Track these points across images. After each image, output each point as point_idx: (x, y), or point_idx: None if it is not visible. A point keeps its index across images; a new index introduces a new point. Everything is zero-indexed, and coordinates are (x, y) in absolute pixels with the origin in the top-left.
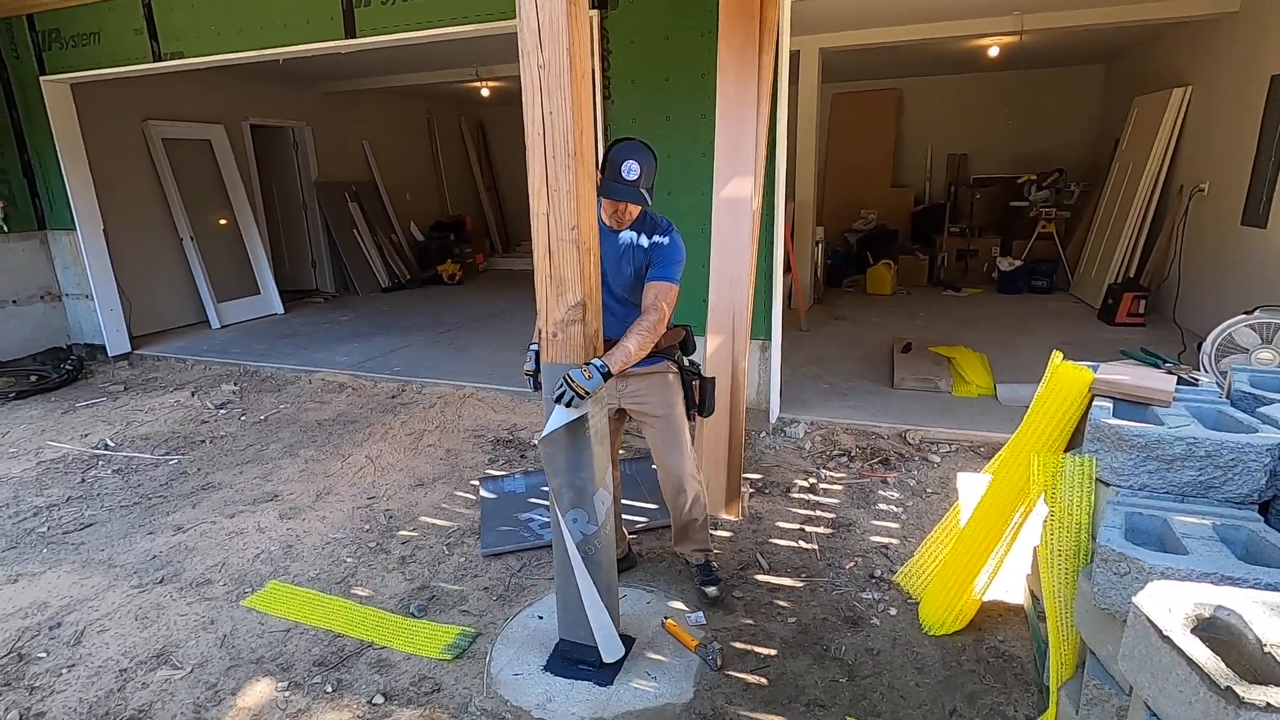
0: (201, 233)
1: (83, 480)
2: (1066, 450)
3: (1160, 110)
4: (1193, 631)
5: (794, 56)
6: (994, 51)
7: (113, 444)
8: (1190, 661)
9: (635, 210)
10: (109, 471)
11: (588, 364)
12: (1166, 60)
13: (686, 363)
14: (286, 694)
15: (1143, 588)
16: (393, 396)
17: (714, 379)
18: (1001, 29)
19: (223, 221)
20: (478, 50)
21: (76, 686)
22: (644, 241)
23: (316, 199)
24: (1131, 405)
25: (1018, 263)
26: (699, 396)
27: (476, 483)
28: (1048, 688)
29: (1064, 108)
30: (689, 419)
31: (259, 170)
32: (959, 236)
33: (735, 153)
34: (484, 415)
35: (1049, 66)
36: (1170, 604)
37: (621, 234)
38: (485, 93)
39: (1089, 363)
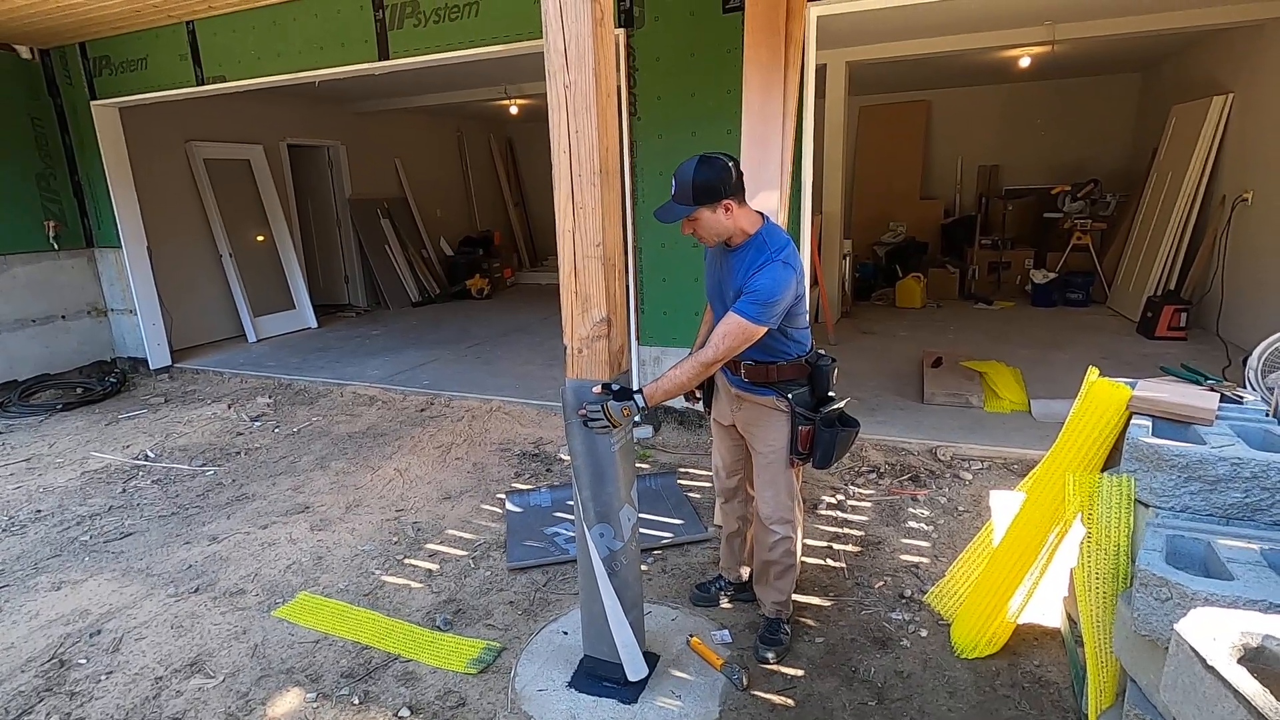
0: (240, 249)
1: (124, 490)
2: (1104, 469)
3: (1200, 118)
4: (1239, 662)
5: (820, 70)
6: (1025, 62)
7: (153, 455)
8: (1237, 694)
9: (708, 225)
10: (149, 482)
11: (633, 395)
12: (1206, 68)
13: (796, 402)
14: (315, 705)
15: (1185, 614)
16: (421, 410)
17: (839, 430)
18: (1033, 39)
19: (260, 238)
20: (507, 69)
21: (114, 693)
22: (746, 266)
23: (350, 216)
24: (1172, 424)
25: (1052, 275)
26: (806, 443)
27: (503, 496)
28: (1086, 715)
29: (1098, 117)
30: (790, 464)
31: (295, 188)
32: (991, 249)
33: (761, 167)
34: (510, 429)
35: (1082, 76)
36: (1215, 632)
37: (734, 253)
38: (514, 110)
39: (1127, 379)
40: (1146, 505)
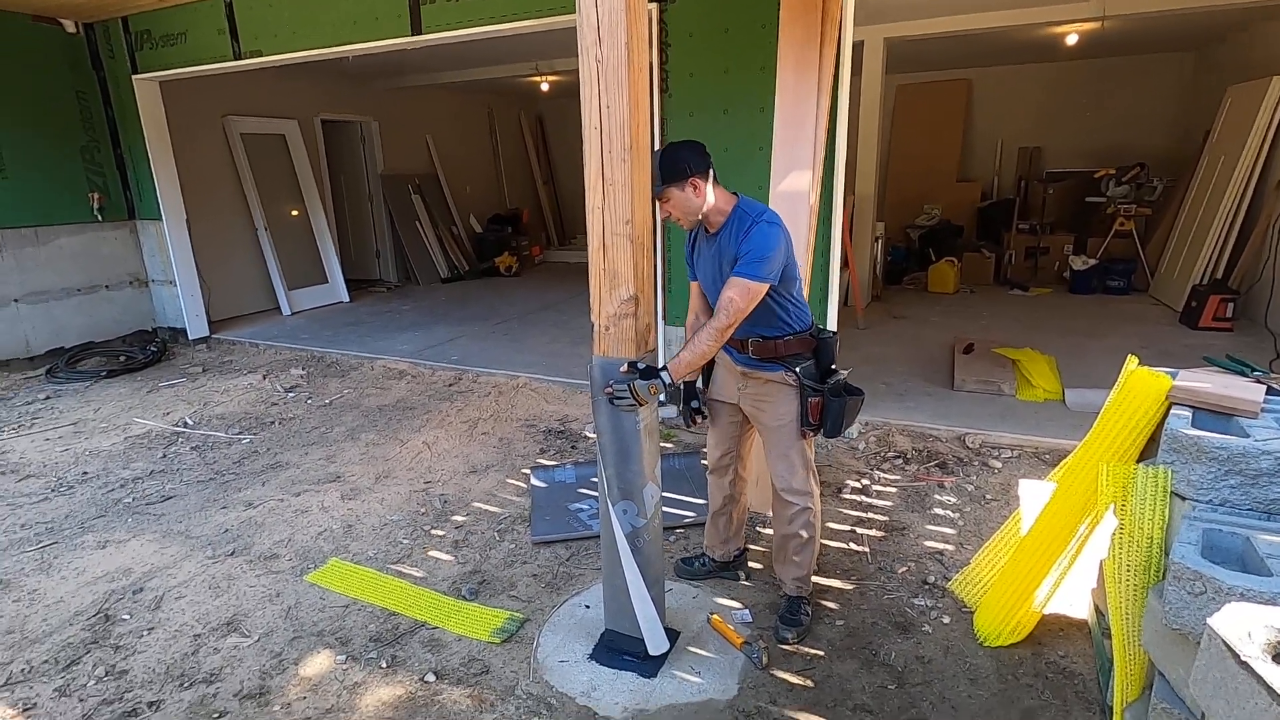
0: (275, 223)
1: (164, 455)
2: (1139, 461)
3: (1257, 99)
4: (1274, 659)
5: (857, 46)
6: (1072, 39)
7: (191, 423)
8: (1270, 690)
9: (679, 203)
10: (188, 448)
11: (658, 373)
12: (1265, 46)
13: (804, 374)
14: (344, 667)
15: (1219, 609)
16: (449, 385)
17: (845, 398)
18: (1081, 15)
19: (294, 213)
20: (538, 45)
21: (156, 648)
22: (734, 237)
23: (382, 191)
24: (1213, 415)
25: (1092, 261)
26: (817, 414)
27: (528, 471)
28: (1111, 708)
29: (1148, 98)
30: (802, 435)
31: (328, 163)
32: (1029, 233)
33: (793, 146)
34: (536, 405)
35: (1132, 54)
36: (1249, 627)
37: (718, 235)
38: (545, 87)
39: (1167, 369)
40: (1183, 498)
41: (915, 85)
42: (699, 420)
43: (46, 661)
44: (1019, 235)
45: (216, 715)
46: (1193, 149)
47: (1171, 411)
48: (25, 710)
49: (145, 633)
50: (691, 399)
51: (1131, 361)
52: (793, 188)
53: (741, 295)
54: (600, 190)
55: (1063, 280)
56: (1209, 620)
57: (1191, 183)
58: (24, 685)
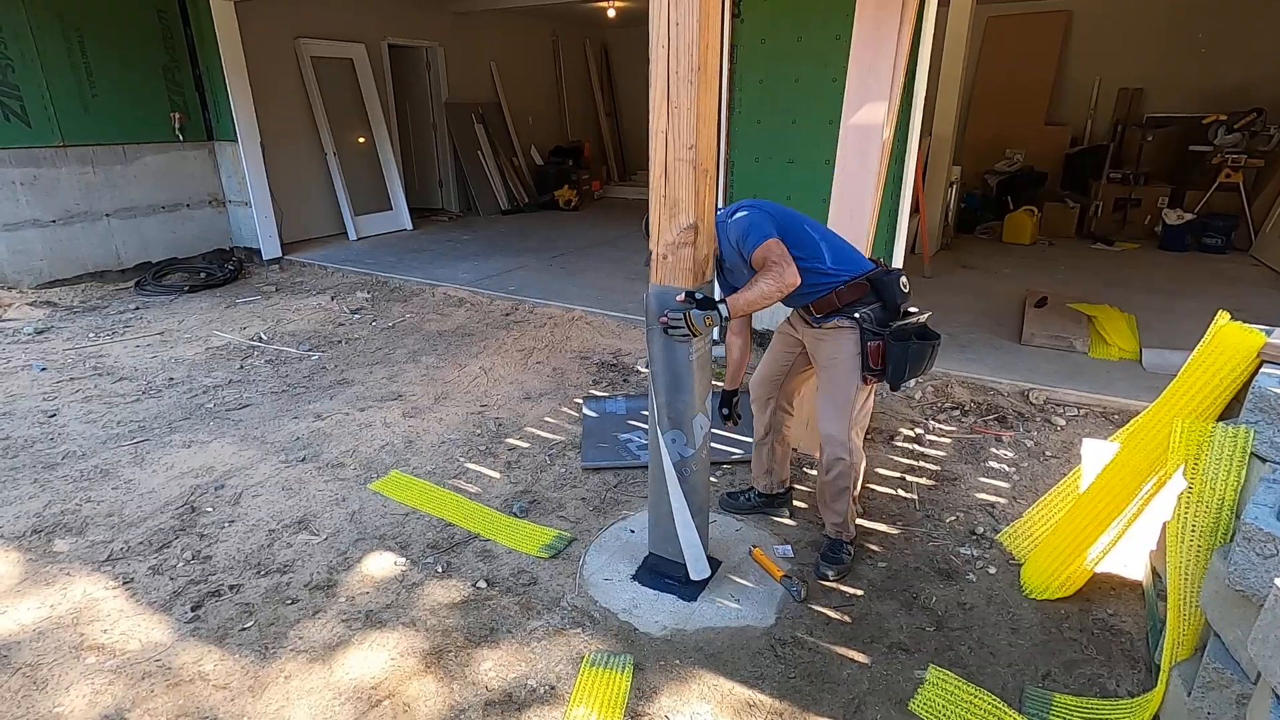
0: (343, 149)
1: (241, 367)
2: (1218, 421)
3: None
4: None
5: None
6: None
7: (265, 338)
8: None
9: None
10: (262, 361)
11: (716, 305)
12: None
13: (865, 319)
14: (404, 569)
15: None
16: (506, 314)
17: (912, 343)
18: None
19: (361, 140)
20: None
21: (235, 539)
22: (726, 245)
23: (445, 120)
24: None
25: (1189, 216)
26: (877, 359)
27: (580, 401)
28: (1158, 666)
29: (1274, 34)
30: (864, 381)
31: (394, 90)
32: (1120, 183)
33: (870, 77)
34: (590, 338)
35: None
36: None
37: (723, 255)
38: (611, 13)
39: (1263, 326)
40: (1264, 460)
41: (1008, 17)
42: (733, 424)
43: (141, 543)
44: (1109, 185)
45: (289, 601)
46: None
47: (1262, 370)
48: (125, 583)
49: (226, 524)
50: (725, 405)
51: (1223, 316)
52: (865, 121)
53: (766, 257)
54: (665, 113)
55: (1153, 235)
56: (1277, 581)
57: None
58: (123, 562)
